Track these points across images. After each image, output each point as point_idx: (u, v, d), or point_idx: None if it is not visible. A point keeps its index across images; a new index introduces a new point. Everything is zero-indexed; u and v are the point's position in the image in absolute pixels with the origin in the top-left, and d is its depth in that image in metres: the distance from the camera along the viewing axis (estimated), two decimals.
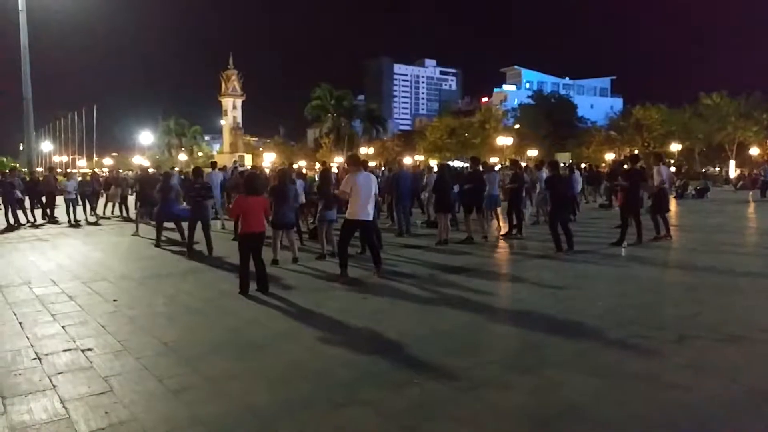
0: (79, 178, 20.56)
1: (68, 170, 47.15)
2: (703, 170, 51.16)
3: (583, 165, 32.47)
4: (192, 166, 17.15)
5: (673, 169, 35.62)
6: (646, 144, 57.14)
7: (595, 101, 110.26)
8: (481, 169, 13.05)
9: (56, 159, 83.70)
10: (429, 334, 5.57)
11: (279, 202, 9.46)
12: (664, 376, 4.41)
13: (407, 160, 38.75)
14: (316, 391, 4.25)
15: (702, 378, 4.38)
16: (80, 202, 18.13)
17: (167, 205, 12.19)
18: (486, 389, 4.24)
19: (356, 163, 8.39)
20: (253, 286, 7.38)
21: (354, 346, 5.25)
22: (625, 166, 12.99)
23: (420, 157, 61.69)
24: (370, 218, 8.25)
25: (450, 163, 37.93)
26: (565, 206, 10.73)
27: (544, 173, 13.88)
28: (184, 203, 12.50)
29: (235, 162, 34.22)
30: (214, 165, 18.39)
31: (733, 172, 45.75)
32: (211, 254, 10.52)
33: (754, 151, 51.87)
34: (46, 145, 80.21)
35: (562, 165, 17.11)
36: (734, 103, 52.28)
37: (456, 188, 12.76)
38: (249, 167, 22.52)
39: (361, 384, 4.35)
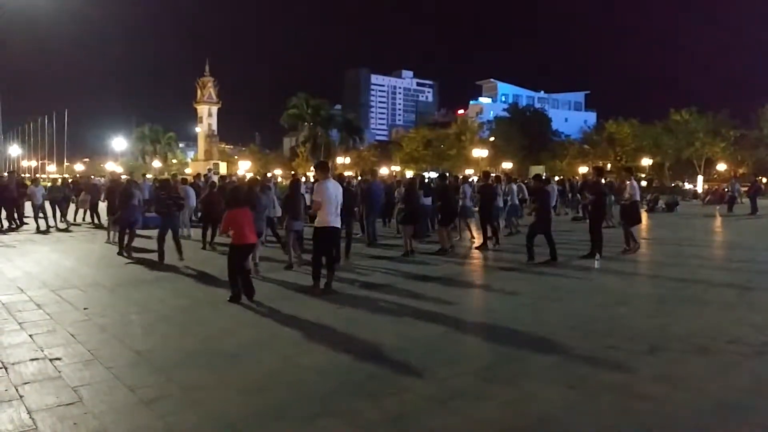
0: (48, 184, 20.07)
1: (36, 175, 45.94)
2: (673, 185, 52.36)
3: (557, 178, 32.91)
4: (167, 174, 17.14)
5: (644, 183, 36.28)
6: (618, 158, 58.38)
7: (569, 115, 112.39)
8: (447, 183, 13.36)
9: (24, 164, 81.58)
10: (404, 345, 5.58)
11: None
12: (636, 387, 4.49)
13: (383, 171, 38.80)
14: (290, 401, 4.22)
15: (671, 389, 4.47)
16: (50, 209, 17.72)
17: (128, 211, 11.96)
18: (461, 400, 4.26)
19: (324, 170, 8.41)
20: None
21: (328, 357, 5.23)
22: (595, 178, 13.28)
23: (396, 168, 61.97)
24: (339, 225, 8.31)
25: (425, 174, 38.18)
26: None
27: (515, 186, 16.14)
28: (152, 212, 12.37)
29: (209, 170, 33.82)
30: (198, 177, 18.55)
31: (701, 187, 46.85)
32: (182, 259, 10.51)
33: (721, 166, 53.36)
34: (14, 150, 78.00)
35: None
36: (703, 120, 53.69)
37: (429, 200, 12.89)
38: (219, 176, 22.55)
39: (336, 394, 4.34)
